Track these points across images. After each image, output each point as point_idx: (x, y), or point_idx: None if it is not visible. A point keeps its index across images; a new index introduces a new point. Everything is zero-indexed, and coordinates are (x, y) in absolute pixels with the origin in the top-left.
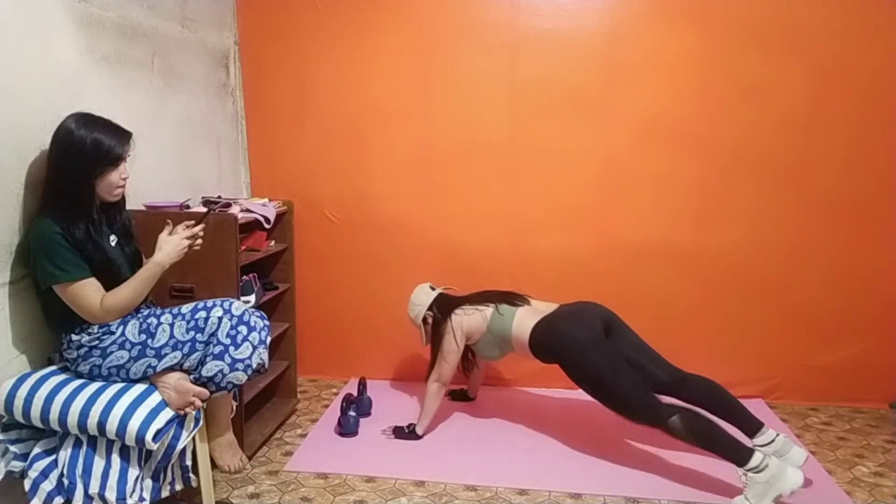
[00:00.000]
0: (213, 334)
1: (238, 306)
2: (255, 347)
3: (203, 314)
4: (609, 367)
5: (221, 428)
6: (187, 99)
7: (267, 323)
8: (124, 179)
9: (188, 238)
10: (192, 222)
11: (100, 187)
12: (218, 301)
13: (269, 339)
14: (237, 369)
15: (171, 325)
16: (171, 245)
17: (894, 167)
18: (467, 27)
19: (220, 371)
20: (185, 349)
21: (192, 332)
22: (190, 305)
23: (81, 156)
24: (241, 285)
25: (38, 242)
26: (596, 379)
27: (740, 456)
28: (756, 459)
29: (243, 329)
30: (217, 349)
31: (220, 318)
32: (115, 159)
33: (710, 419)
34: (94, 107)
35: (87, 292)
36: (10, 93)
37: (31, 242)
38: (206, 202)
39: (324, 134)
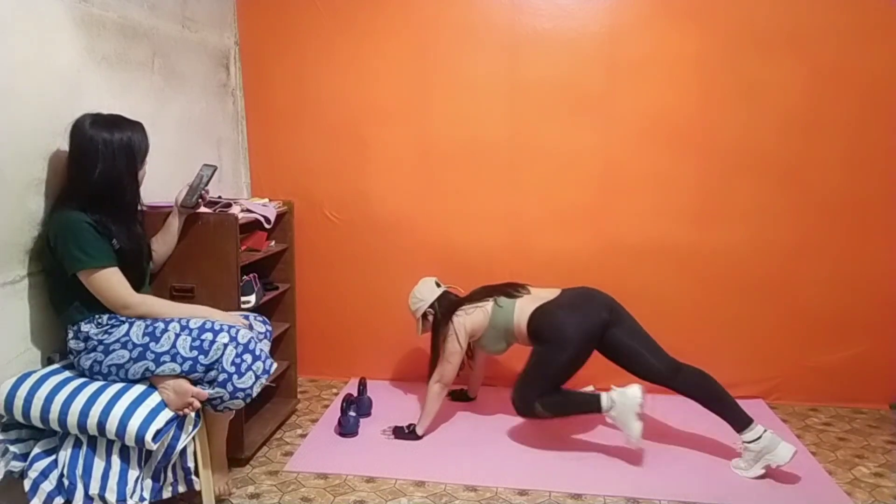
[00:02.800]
0: (216, 361)
1: (244, 334)
2: (257, 377)
3: (209, 336)
4: (558, 369)
5: (215, 452)
6: (188, 99)
7: (269, 328)
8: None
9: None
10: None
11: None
12: (225, 326)
13: (272, 368)
14: (237, 397)
15: (177, 336)
16: (232, 319)
17: (894, 168)
18: (468, 27)
19: (221, 398)
20: (185, 367)
21: (196, 352)
22: (198, 321)
23: (127, 156)
24: (242, 285)
25: (66, 231)
26: (545, 367)
27: (591, 407)
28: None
29: (248, 357)
30: (221, 377)
31: (225, 345)
32: (147, 151)
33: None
34: (94, 107)
35: (118, 279)
36: (10, 93)
37: (56, 232)
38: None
39: (324, 134)
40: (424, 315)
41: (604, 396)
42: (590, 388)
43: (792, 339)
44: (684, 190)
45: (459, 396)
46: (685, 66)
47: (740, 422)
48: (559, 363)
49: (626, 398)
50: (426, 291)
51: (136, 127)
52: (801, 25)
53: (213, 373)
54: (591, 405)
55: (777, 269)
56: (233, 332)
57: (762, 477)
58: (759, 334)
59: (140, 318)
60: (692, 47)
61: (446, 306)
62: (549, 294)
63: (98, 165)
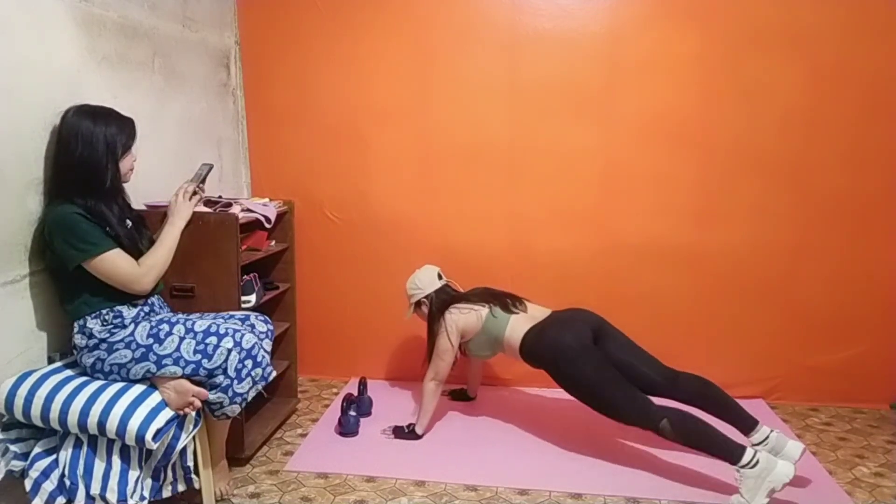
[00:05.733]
0: (219, 366)
1: (248, 339)
2: (255, 383)
3: (214, 340)
4: (597, 374)
5: (215, 453)
6: (188, 99)
7: (270, 327)
8: (134, 162)
9: (190, 193)
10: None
11: (121, 169)
12: (230, 330)
13: (271, 375)
14: (235, 402)
15: (181, 339)
16: (185, 207)
17: (894, 168)
18: (468, 27)
19: (221, 403)
20: (188, 370)
21: (199, 356)
22: (204, 325)
23: (107, 141)
24: (242, 285)
25: (61, 225)
26: (584, 385)
27: (732, 453)
28: (747, 456)
29: (249, 363)
30: (225, 382)
31: (229, 351)
32: (130, 138)
33: (699, 420)
34: None
35: (123, 259)
36: (10, 93)
37: (51, 228)
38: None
39: (324, 134)
40: (419, 303)
41: (749, 450)
42: None
43: (792, 339)
44: (684, 190)
45: (459, 396)
46: (685, 66)
47: (746, 424)
48: (585, 372)
49: (775, 470)
50: (426, 281)
51: (122, 118)
52: (801, 25)
53: (216, 378)
54: (727, 451)
55: (777, 269)
56: (237, 336)
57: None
58: (759, 334)
59: (155, 281)
60: (692, 47)
61: (443, 300)
62: (542, 314)
63: (77, 151)
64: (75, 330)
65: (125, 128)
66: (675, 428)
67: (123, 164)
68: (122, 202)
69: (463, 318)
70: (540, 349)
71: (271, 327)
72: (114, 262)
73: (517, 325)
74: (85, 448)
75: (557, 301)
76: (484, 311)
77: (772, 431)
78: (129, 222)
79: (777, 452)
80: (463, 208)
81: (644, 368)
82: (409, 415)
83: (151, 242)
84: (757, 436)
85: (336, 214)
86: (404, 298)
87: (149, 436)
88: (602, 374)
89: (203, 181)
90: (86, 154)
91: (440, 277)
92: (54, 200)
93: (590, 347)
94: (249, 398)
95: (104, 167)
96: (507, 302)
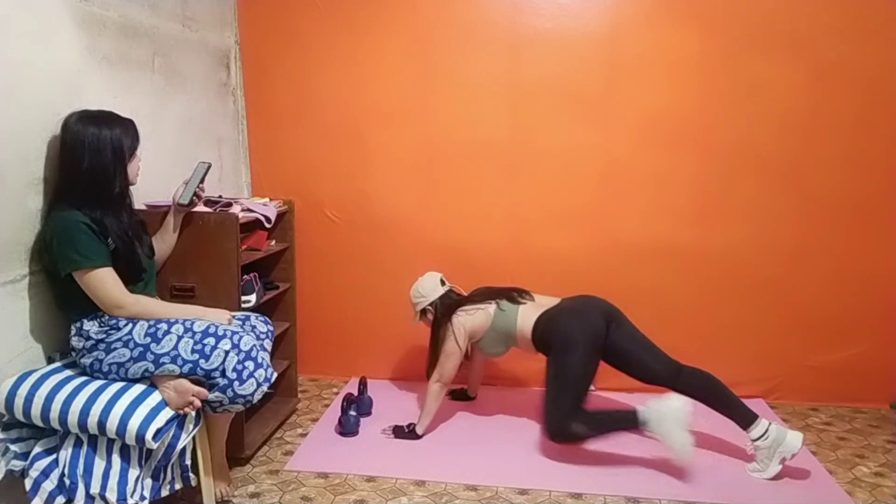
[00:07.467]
0: (216, 368)
1: (247, 341)
2: (259, 385)
3: (212, 341)
4: (575, 373)
5: (215, 453)
6: (188, 99)
7: (270, 328)
8: (140, 164)
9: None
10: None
11: (129, 173)
12: (229, 332)
13: (273, 376)
14: (237, 402)
15: (179, 338)
16: (219, 316)
17: (895, 167)
18: (469, 27)
19: (221, 402)
20: (185, 369)
21: (196, 356)
22: (203, 324)
23: (114, 149)
24: (242, 285)
25: (62, 231)
26: (561, 376)
27: (629, 422)
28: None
29: (250, 365)
30: (222, 382)
31: (226, 352)
32: (135, 144)
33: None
34: (95, 107)
35: (111, 279)
36: (10, 92)
37: (53, 232)
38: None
39: (325, 133)
40: (424, 310)
41: (640, 409)
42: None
43: (792, 339)
44: (685, 190)
45: (459, 396)
46: (686, 66)
47: (745, 419)
48: (573, 366)
49: (668, 410)
50: (429, 288)
51: (125, 122)
52: (801, 25)
53: (215, 380)
54: (628, 420)
55: (777, 269)
56: (235, 338)
57: (779, 476)
58: (759, 334)
59: (134, 317)
60: (693, 47)
61: (447, 305)
62: (551, 302)
63: (85, 159)
64: (72, 333)
65: (129, 131)
66: (588, 428)
67: (131, 168)
68: (129, 209)
69: (471, 320)
70: (550, 336)
71: (271, 328)
72: (101, 280)
73: (527, 315)
74: (85, 447)
75: (559, 296)
76: (491, 307)
77: (770, 424)
78: (130, 233)
79: (778, 445)
80: (463, 208)
81: (648, 358)
82: (410, 415)
83: (151, 249)
84: (756, 430)
85: (336, 214)
86: (405, 298)
87: (149, 435)
88: (580, 376)
89: (202, 180)
90: (94, 162)
91: (443, 283)
92: (60, 204)
93: (596, 345)
94: (255, 400)
95: (112, 174)
96: (513, 294)
